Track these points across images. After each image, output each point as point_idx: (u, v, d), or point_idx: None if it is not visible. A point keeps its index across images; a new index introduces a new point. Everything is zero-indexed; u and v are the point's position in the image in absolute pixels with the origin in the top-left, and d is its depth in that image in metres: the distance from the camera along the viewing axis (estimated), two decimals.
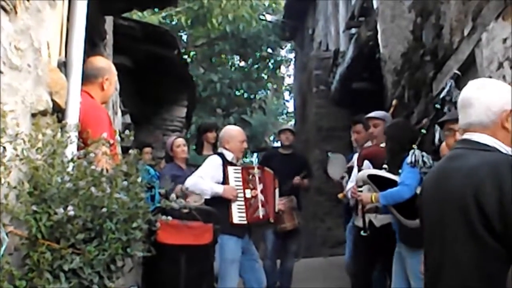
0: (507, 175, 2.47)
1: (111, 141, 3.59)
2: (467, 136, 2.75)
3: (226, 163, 6.40)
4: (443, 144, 5.10)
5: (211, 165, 6.42)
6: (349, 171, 7.23)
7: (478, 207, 2.46)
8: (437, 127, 5.88)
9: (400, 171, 5.67)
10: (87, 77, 4.12)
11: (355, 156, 6.98)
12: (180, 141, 8.01)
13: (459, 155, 2.73)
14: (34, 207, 2.74)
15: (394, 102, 8.02)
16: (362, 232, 6.23)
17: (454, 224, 2.55)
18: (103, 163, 3.26)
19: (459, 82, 5.86)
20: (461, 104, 2.81)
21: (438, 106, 6.00)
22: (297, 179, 8.27)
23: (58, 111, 3.41)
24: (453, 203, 2.57)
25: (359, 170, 6.37)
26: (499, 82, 2.86)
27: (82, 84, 3.83)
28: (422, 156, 5.60)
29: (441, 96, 6.01)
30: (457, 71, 5.95)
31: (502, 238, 2.44)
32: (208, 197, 6.29)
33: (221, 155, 6.49)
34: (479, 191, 2.48)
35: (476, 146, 2.68)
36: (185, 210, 5.57)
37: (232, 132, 6.75)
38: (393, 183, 5.66)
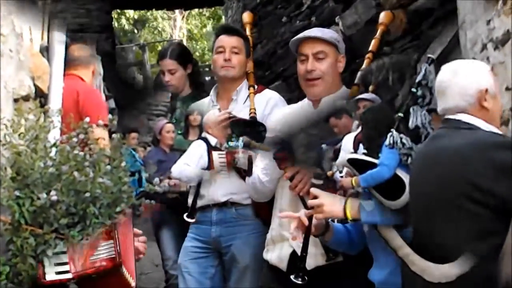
0: (494, 152, 2.50)
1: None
2: (449, 116, 2.79)
3: (210, 148, 6.36)
4: None
5: (196, 151, 6.37)
6: (336, 155, 7.20)
7: (470, 186, 2.48)
8: (413, 110, 5.88)
9: (379, 156, 5.67)
10: (81, 61, 4.15)
11: (345, 139, 6.92)
12: (170, 126, 7.98)
13: (443, 135, 2.79)
14: (17, 193, 2.74)
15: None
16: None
17: (444, 204, 2.59)
18: (102, 143, 3.25)
19: (436, 65, 5.86)
20: (437, 90, 2.95)
21: (414, 90, 5.98)
22: None
23: (41, 96, 3.39)
24: (443, 183, 2.61)
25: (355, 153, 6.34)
26: (472, 62, 2.98)
27: (73, 68, 3.85)
28: (401, 138, 5.58)
29: (417, 80, 5.99)
30: (431, 55, 5.93)
31: (496, 210, 2.45)
32: (194, 184, 6.27)
33: (205, 140, 6.44)
34: (469, 171, 2.50)
35: (458, 125, 2.71)
36: (172, 195, 5.60)
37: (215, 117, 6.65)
38: (374, 167, 5.66)
